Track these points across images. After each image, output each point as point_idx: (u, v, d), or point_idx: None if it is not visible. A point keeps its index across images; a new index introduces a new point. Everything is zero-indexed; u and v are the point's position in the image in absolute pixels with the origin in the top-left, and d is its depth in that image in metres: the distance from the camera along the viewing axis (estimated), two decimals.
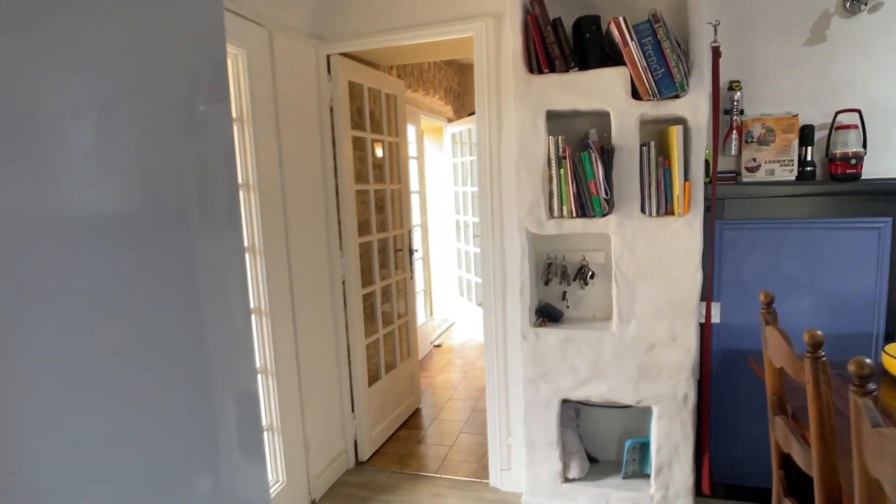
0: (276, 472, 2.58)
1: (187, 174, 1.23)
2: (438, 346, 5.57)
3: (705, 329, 2.37)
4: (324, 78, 2.99)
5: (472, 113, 5.32)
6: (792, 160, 2.38)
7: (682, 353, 2.32)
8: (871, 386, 1.05)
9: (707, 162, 2.35)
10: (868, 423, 0.98)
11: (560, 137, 2.34)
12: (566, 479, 2.55)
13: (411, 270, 3.91)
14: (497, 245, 2.76)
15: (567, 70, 2.33)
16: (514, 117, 2.40)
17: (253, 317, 2.49)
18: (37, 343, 0.90)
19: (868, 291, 2.28)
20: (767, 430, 2.42)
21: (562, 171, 2.35)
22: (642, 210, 2.31)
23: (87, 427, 0.99)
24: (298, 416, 2.74)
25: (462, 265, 5.98)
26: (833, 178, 2.33)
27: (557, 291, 2.66)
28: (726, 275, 2.43)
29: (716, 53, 2.32)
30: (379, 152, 3.61)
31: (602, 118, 2.41)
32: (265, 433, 2.55)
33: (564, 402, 2.55)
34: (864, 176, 2.31)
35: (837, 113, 2.33)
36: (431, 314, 6.02)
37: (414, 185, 4.85)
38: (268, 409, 2.55)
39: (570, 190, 2.34)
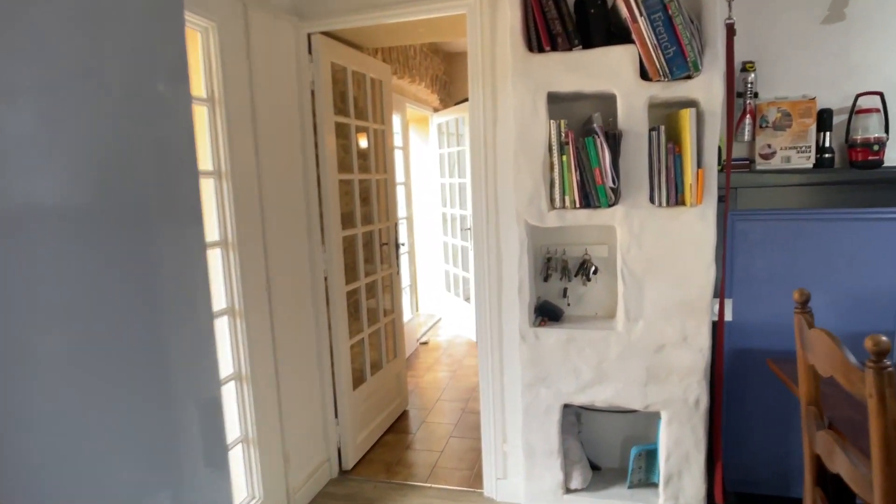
0: (251, 488, 2.37)
1: (142, 162, 1.12)
2: (425, 343, 5.38)
3: (718, 328, 2.21)
4: (304, 58, 2.77)
5: (462, 101, 5.12)
6: (809, 146, 2.22)
7: (694, 353, 2.16)
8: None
9: (719, 149, 2.18)
10: None
11: (562, 121, 2.16)
12: (568, 490, 2.37)
13: (398, 265, 3.71)
14: (492, 239, 2.57)
15: (570, 48, 2.15)
16: (513, 100, 2.21)
17: (226, 317, 2.28)
18: None
19: (890, 287, 2.13)
20: (781, 434, 2.28)
21: (564, 158, 2.17)
22: (651, 200, 2.14)
23: (26, 442, 0.85)
24: (277, 424, 2.52)
25: (449, 259, 5.79)
26: (853, 165, 2.18)
27: (557, 288, 2.48)
28: (737, 269, 2.27)
29: (730, 31, 2.14)
30: (363, 141, 3.40)
31: (606, 102, 2.23)
32: (240, 445, 2.33)
33: (566, 407, 2.37)
34: (887, 163, 2.16)
35: (858, 96, 2.18)
36: (417, 310, 5.83)
37: (399, 176, 4.64)
38: (242, 419, 2.34)
39: (574, 178, 2.16)
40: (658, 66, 2.04)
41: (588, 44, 2.14)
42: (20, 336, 0.85)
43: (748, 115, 2.28)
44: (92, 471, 0.97)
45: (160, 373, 1.12)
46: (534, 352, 2.31)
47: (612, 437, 2.56)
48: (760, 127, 2.27)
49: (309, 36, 2.77)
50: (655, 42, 2.02)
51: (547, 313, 2.39)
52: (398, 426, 3.56)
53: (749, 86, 2.27)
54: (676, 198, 2.12)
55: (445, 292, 5.94)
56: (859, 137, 2.15)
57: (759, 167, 2.29)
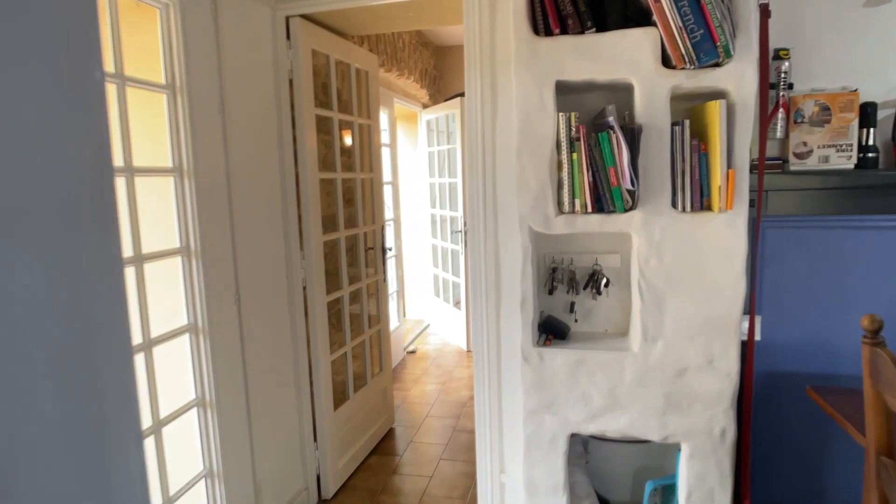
0: None
1: (27, 154, 0.78)
2: (412, 352, 5.10)
3: (748, 349, 1.96)
4: (282, 44, 2.49)
5: (452, 97, 4.85)
6: (850, 144, 1.97)
7: (721, 379, 1.90)
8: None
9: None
10: None
11: (572, 114, 1.89)
12: None
13: (384, 272, 3.43)
14: (490, 246, 2.30)
15: (582, 31, 1.89)
16: (515, 90, 1.94)
17: (187, 335, 1.99)
18: None
19: None
20: (815, 470, 2.03)
21: (574, 155, 1.90)
22: (673, 205, 1.88)
23: None
24: (247, 453, 2.24)
25: (438, 263, 5.52)
26: None
27: (563, 301, 2.21)
28: (768, 282, 2.02)
29: (765, 12, 1.89)
30: (348, 137, 3.11)
31: (620, 93, 1.98)
32: (202, 480, 2.04)
33: (572, 436, 2.11)
34: None
35: None
36: (404, 316, 5.54)
37: (386, 175, 4.36)
38: (206, 450, 2.05)
39: (585, 179, 1.89)
40: (683, 52, 1.78)
41: (602, 27, 1.89)
42: None
43: (781, 109, 2.03)
44: None
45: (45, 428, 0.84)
46: (538, 375, 2.04)
47: (623, 469, 2.30)
48: (795, 122, 2.02)
49: (287, 19, 2.49)
50: (680, 24, 1.76)
51: (552, 330, 2.12)
52: (384, 447, 3.28)
53: (783, 76, 2.02)
54: (702, 202, 1.86)
55: (434, 297, 5.67)
56: None
57: (792, 168, 2.04)
